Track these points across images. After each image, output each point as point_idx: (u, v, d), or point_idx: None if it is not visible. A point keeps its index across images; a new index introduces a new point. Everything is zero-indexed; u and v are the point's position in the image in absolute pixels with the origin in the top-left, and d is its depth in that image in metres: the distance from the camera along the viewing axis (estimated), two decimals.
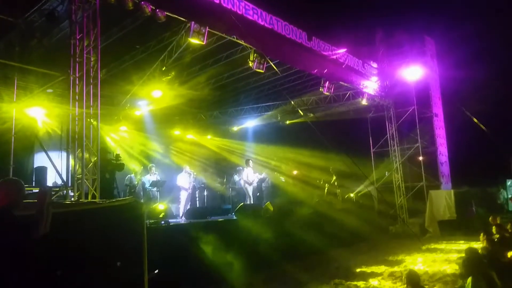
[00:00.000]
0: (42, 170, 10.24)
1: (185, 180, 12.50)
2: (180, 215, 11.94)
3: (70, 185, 7.03)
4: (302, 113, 14.87)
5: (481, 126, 13.64)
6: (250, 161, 14.00)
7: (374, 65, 15.49)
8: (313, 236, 11.41)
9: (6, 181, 3.41)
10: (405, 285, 5.55)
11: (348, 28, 15.39)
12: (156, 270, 5.83)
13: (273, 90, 15.60)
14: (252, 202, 13.16)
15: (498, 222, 9.90)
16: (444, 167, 16.93)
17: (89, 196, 7.18)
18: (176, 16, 8.76)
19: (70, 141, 7.20)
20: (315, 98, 16.32)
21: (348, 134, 18.04)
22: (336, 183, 16.30)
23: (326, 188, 16.28)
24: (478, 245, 8.71)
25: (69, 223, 4.24)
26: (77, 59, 7.40)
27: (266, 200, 13.28)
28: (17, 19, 7.97)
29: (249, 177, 13.45)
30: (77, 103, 7.26)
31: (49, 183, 10.36)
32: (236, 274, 8.56)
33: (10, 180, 3.52)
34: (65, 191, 6.94)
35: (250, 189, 13.40)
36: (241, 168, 14.22)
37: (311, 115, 17.53)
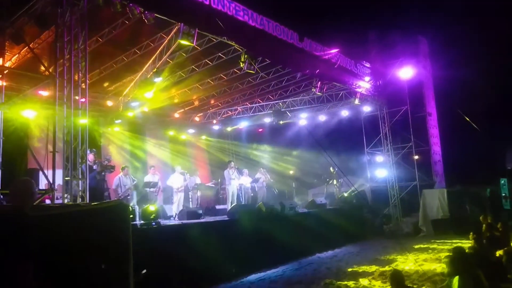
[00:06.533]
0: (34, 172, 10.20)
1: (177, 181, 12.49)
2: (173, 216, 11.93)
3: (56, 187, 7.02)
4: (289, 114, 14.86)
5: (474, 125, 13.64)
6: (232, 162, 13.84)
7: (367, 65, 15.47)
8: (306, 236, 11.45)
9: (19, 182, 3.43)
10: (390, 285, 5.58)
11: (341, 28, 15.42)
12: (144, 270, 5.81)
13: (266, 90, 15.65)
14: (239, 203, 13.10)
15: (489, 221, 9.94)
16: (438, 166, 16.96)
17: (78, 199, 7.18)
18: (165, 18, 8.76)
19: (57, 142, 7.18)
20: (308, 98, 16.37)
21: (342, 134, 18.09)
22: (336, 183, 16.32)
23: (326, 188, 16.36)
24: (470, 244, 8.76)
25: (51, 226, 4.23)
26: (66, 62, 7.40)
27: (259, 201, 13.28)
28: (5, 22, 7.90)
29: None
30: (64, 105, 7.26)
31: (42, 185, 10.33)
32: (228, 275, 8.58)
33: (21, 181, 3.53)
34: (51, 194, 6.93)
35: (230, 191, 13.19)
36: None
37: (305, 115, 17.63)
